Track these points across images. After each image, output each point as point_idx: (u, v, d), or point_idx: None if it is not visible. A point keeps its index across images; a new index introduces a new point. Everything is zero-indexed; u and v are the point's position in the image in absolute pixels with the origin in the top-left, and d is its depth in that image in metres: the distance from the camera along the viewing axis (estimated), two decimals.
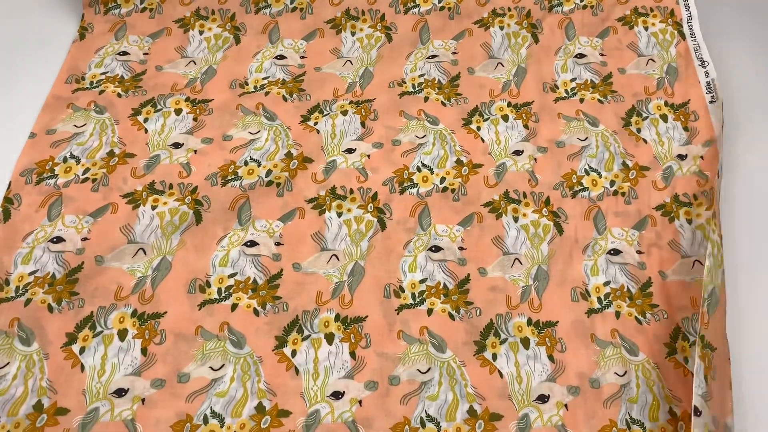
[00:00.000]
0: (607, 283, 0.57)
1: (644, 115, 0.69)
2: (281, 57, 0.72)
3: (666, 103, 0.69)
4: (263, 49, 0.72)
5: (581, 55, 0.73)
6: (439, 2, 0.76)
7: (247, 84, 0.69)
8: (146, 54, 0.71)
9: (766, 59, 0.75)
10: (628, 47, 0.74)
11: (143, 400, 0.49)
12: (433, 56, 0.73)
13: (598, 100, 0.69)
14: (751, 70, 0.74)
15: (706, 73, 0.71)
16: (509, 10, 0.76)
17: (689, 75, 0.72)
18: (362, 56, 0.72)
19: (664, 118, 0.68)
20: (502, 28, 0.75)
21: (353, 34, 0.74)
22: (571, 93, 0.70)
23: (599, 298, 0.56)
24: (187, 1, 0.75)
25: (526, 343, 0.54)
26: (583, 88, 0.70)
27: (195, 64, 0.70)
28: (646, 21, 0.76)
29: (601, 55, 0.73)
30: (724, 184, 0.63)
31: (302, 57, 0.72)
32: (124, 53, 0.70)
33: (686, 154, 0.65)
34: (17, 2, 0.75)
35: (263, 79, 0.70)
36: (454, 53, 0.73)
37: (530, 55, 0.73)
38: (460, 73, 0.71)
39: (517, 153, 0.65)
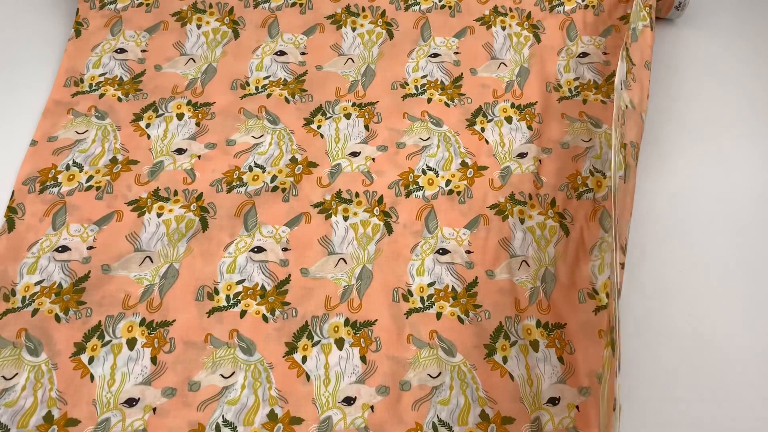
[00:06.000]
0: None
1: None
2: (281, 53, 0.71)
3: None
4: (263, 44, 0.72)
5: (584, 54, 0.73)
6: (440, 0, 0.76)
7: (248, 84, 0.69)
8: (144, 51, 0.70)
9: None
10: None
11: (154, 409, 0.49)
12: (435, 54, 0.72)
13: (601, 101, 0.69)
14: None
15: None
16: (510, 11, 0.76)
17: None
18: (363, 53, 0.72)
19: None
20: (504, 28, 0.75)
21: (354, 29, 0.74)
22: (574, 92, 0.70)
23: (608, 294, 0.56)
24: None
25: (535, 345, 0.54)
26: (585, 88, 0.70)
27: (194, 62, 0.70)
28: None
29: (605, 54, 0.73)
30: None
31: (303, 53, 0.71)
32: (122, 50, 0.70)
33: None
34: (11, 0, 0.74)
35: (264, 78, 0.69)
36: (456, 53, 0.73)
37: (533, 55, 0.73)
38: (462, 74, 0.71)
39: (522, 155, 0.65)
